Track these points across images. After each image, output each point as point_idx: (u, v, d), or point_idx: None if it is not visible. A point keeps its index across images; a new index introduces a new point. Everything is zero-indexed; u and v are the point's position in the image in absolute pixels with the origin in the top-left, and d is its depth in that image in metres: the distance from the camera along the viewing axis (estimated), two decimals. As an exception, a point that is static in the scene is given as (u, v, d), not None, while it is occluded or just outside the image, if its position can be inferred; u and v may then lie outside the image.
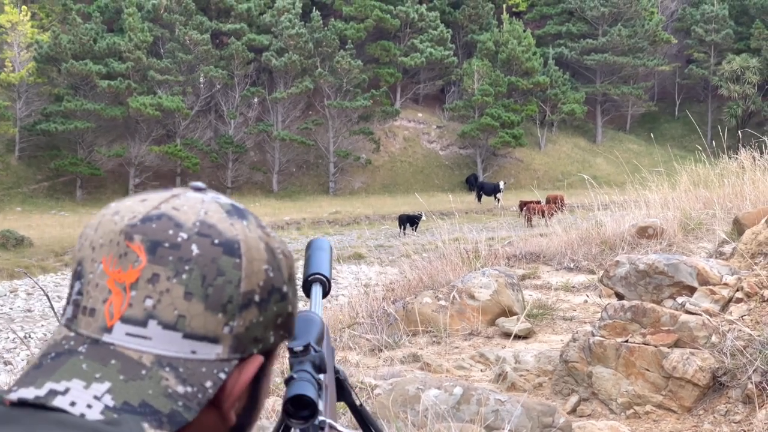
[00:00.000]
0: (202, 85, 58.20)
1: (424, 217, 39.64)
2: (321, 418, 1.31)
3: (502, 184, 51.95)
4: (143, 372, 1.01)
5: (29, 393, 0.99)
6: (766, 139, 11.29)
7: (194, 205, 1.09)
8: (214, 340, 1.05)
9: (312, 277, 1.70)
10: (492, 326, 7.03)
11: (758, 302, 5.14)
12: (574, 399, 5.13)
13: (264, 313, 1.10)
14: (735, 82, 65.33)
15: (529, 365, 5.61)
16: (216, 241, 1.06)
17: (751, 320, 5.04)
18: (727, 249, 6.69)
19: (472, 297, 7.09)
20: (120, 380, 1.00)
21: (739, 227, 7.56)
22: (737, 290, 5.30)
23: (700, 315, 5.07)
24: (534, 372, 5.54)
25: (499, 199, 50.89)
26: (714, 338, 4.92)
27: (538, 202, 41.42)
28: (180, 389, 1.01)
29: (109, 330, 1.03)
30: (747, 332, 4.84)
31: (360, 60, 60.50)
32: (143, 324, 1.02)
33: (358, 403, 1.67)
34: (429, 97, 67.87)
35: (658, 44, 68.82)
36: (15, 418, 0.97)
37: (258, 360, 1.11)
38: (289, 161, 60.31)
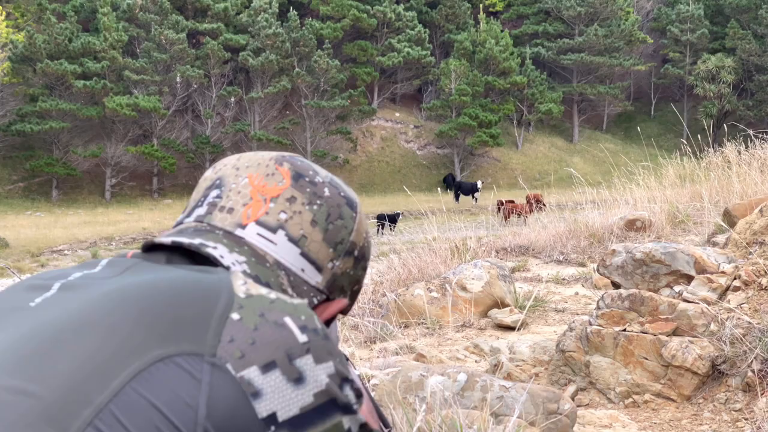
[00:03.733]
0: (178, 85, 57.84)
1: (401, 217, 39.63)
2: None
3: (479, 184, 52.02)
4: (267, 264, 1.21)
5: (183, 240, 1.20)
6: (751, 131, 11.31)
7: (326, 171, 1.34)
8: (319, 268, 1.26)
9: None
10: (484, 318, 6.97)
11: (756, 290, 5.10)
12: (571, 388, 5.07)
13: (355, 268, 1.32)
14: (710, 82, 65.67)
15: (525, 355, 5.55)
16: (342, 194, 1.31)
17: (750, 308, 4.99)
18: (720, 239, 6.67)
19: (464, 289, 7.04)
20: (252, 260, 1.20)
21: (729, 218, 7.53)
22: (735, 278, 5.26)
23: (698, 303, 5.02)
24: (530, 362, 5.48)
25: (476, 199, 50.91)
26: (713, 326, 4.87)
27: (511, 201, 41.58)
28: (290, 291, 1.22)
29: (243, 227, 1.24)
30: (746, 320, 4.80)
31: (337, 60, 60.40)
32: (274, 230, 1.24)
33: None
34: (406, 96, 67.86)
35: (634, 44, 69.09)
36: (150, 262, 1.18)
37: (342, 303, 1.30)
38: (267, 161, 59.99)
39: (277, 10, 60.70)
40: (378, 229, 39.05)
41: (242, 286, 1.09)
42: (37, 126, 52.58)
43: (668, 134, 67.18)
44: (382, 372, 4.51)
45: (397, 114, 66.30)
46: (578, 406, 4.99)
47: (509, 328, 6.58)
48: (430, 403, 3.43)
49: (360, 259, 1.33)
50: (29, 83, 55.28)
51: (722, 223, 7.21)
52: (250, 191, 1.26)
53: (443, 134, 61.84)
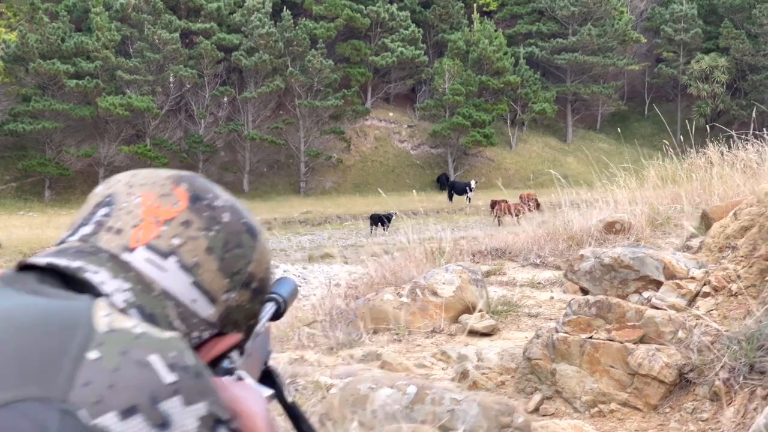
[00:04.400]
0: (171, 85, 57.71)
1: (395, 217, 39.57)
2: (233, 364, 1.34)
3: (473, 184, 52.00)
4: (154, 293, 1.11)
5: (61, 262, 1.10)
6: (734, 132, 11.22)
7: (226, 192, 1.23)
8: (212, 300, 1.15)
9: (268, 296, 1.59)
10: (455, 323, 6.86)
11: (726, 296, 5.01)
12: (537, 397, 4.97)
13: (252, 301, 1.22)
14: (704, 81, 65.67)
15: (492, 363, 5.45)
16: (243, 221, 1.20)
17: (719, 315, 4.90)
18: (695, 243, 6.57)
19: (434, 293, 6.92)
20: (138, 288, 1.10)
21: (707, 221, 7.44)
22: (704, 284, 5.16)
23: (666, 310, 4.92)
24: (497, 370, 5.38)
25: (470, 199, 50.86)
26: (681, 333, 4.77)
27: (505, 201, 41.60)
28: (176, 324, 1.11)
29: (130, 250, 1.12)
30: (714, 327, 4.70)
31: (331, 59, 60.31)
32: (164, 256, 1.12)
33: (289, 399, 1.61)
34: (400, 96, 67.76)
35: (628, 44, 69.06)
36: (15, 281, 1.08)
37: (234, 338, 1.21)
38: (260, 161, 60.00)
39: (271, 10, 60.59)
40: (371, 230, 39.04)
41: (104, 318, 0.97)
42: (30, 126, 52.43)
43: (662, 134, 66.93)
44: (342, 381, 4.40)
45: (391, 114, 66.22)
46: (543, 415, 4.89)
47: (480, 334, 6.47)
48: (371, 420, 3.32)
49: (258, 292, 1.23)
50: (22, 83, 55.16)
51: (698, 227, 7.11)
52: (141, 212, 1.15)
53: (437, 134, 61.79)
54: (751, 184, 9.14)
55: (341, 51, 63.11)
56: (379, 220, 39.03)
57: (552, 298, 7.63)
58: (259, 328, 1.58)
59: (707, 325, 4.74)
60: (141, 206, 1.15)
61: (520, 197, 44.67)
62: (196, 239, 1.14)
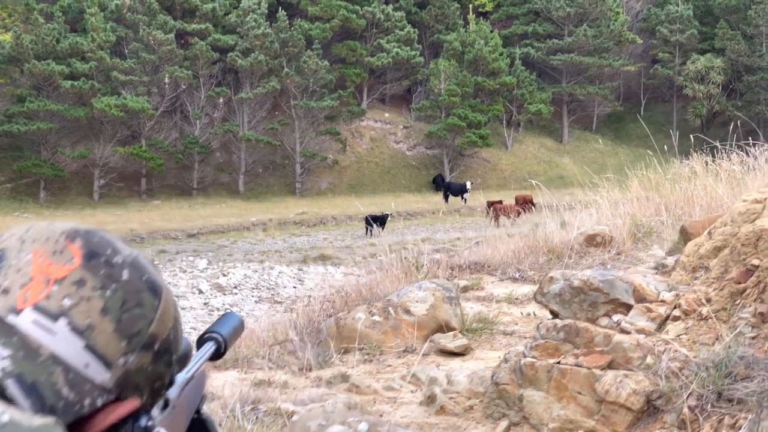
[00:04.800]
0: (166, 86, 57.67)
1: (390, 218, 39.53)
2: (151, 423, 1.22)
3: (469, 185, 51.98)
4: (39, 360, 1.02)
5: None
6: (718, 143, 11.16)
7: (128, 247, 1.15)
8: (107, 364, 1.07)
9: (208, 334, 1.61)
10: (428, 342, 6.77)
11: (696, 320, 4.93)
12: (504, 423, 4.89)
13: (154, 365, 1.14)
14: (699, 82, 65.63)
15: (461, 386, 5.36)
16: (144, 278, 1.12)
17: (688, 339, 4.82)
18: (670, 261, 6.50)
19: (407, 312, 6.83)
20: (19, 354, 1.01)
21: (685, 236, 7.35)
22: (675, 307, 5.08)
23: (635, 335, 4.85)
24: (465, 394, 5.30)
25: (465, 200, 50.83)
26: (649, 359, 4.70)
27: (500, 202, 41.61)
28: (64, 392, 1.02)
29: (17, 312, 1.04)
30: (683, 353, 4.62)
31: (326, 60, 60.29)
32: (54, 318, 1.04)
33: None
34: (396, 97, 67.73)
35: (624, 44, 69.03)
36: None
37: (132, 404, 1.11)
38: (256, 162, 59.94)
39: (266, 11, 60.57)
40: (366, 230, 39.00)
41: None
42: (25, 127, 52.37)
43: (658, 135, 66.89)
44: (305, 407, 4.33)
45: (387, 114, 66.17)
46: (510, 442, 4.81)
47: (453, 354, 6.39)
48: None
49: (162, 353, 1.14)
50: (17, 84, 55.07)
51: (677, 242, 7.04)
52: (31, 270, 1.06)
53: (432, 135, 61.78)
54: (734, 196, 9.06)
55: (337, 52, 63.12)
56: (375, 221, 38.96)
57: (529, 314, 7.55)
58: (191, 372, 1.51)
59: (676, 351, 4.67)
60: (30, 264, 1.07)
61: (516, 198, 44.71)
62: (89, 299, 1.06)
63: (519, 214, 40.63)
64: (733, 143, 10.86)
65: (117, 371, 1.07)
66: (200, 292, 26.81)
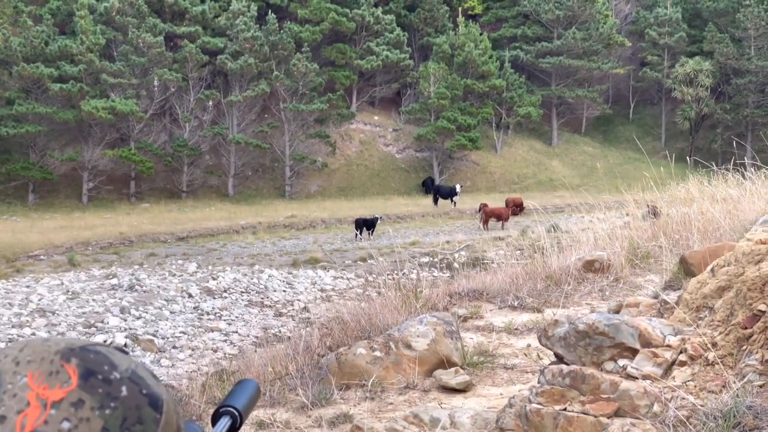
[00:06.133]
0: (156, 88, 57.55)
1: (380, 221, 39.53)
2: None
3: (458, 188, 51.96)
4: None
5: None
6: (714, 165, 11.15)
7: (126, 358, 1.12)
8: None
9: (223, 408, 1.59)
10: (429, 378, 6.73)
11: (702, 365, 4.91)
12: (509, 470, 4.86)
13: None
14: (688, 85, 65.81)
15: (465, 428, 5.33)
16: (144, 392, 1.08)
17: (695, 386, 4.80)
18: (672, 297, 6.48)
19: (408, 347, 6.79)
20: None
21: (685, 266, 7.34)
22: (681, 352, 5.06)
23: (641, 381, 4.82)
24: (469, 437, 5.27)
25: (455, 203, 50.86)
26: (656, 407, 4.67)
27: (485, 205, 41.72)
28: None
29: None
30: (690, 401, 4.60)
31: (316, 63, 60.28)
32: None
33: None
34: (385, 100, 67.74)
35: (613, 47, 69.24)
36: None
37: None
38: (245, 165, 59.86)
39: (256, 14, 60.55)
40: (356, 234, 38.98)
41: None
42: (14, 129, 52.14)
43: (647, 137, 67.29)
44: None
45: (376, 117, 66.17)
46: (516, 489, 4.78)
47: (454, 390, 6.36)
48: None
49: None
50: (5, 86, 54.80)
51: (677, 272, 7.02)
52: (27, 394, 1.03)
53: (422, 138, 61.79)
54: (731, 219, 9.07)
55: (326, 54, 63.12)
56: (364, 224, 38.97)
57: (529, 345, 7.52)
58: None
59: (683, 399, 4.64)
60: (27, 387, 1.04)
61: (506, 201, 44.79)
62: (89, 421, 1.02)
63: (508, 218, 40.76)
64: (720, 146, 10.84)
65: None
66: (190, 296, 26.76)
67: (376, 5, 65.32)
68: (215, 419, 1.59)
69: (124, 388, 1.06)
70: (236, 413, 1.58)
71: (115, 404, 1.04)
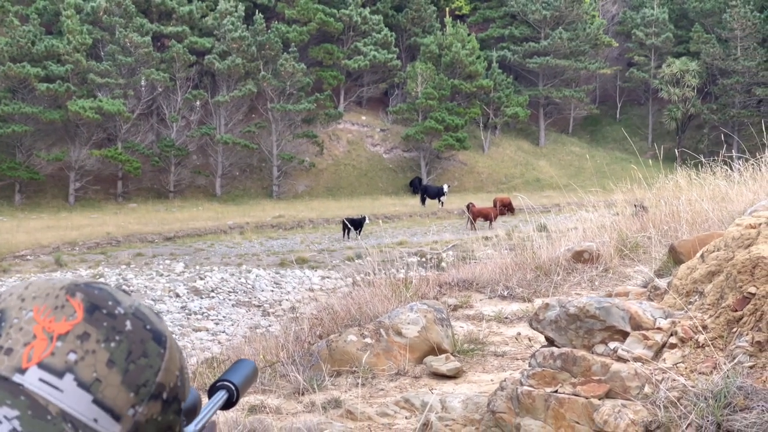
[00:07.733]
0: (143, 88, 57.46)
1: (368, 221, 39.52)
2: None
3: (446, 187, 52.01)
4: (48, 417, 1.00)
5: None
6: (702, 158, 11.19)
7: (129, 296, 1.13)
8: (117, 417, 1.04)
9: (221, 382, 1.61)
10: (420, 365, 6.74)
11: (693, 348, 4.92)
12: (501, 452, 4.87)
13: (164, 414, 1.10)
14: (675, 85, 66.03)
15: (456, 413, 5.34)
16: (147, 327, 1.10)
17: (686, 368, 4.81)
18: (662, 284, 6.49)
19: (399, 334, 6.80)
20: (28, 414, 0.99)
21: (675, 255, 7.36)
22: (671, 335, 5.07)
23: (632, 363, 4.83)
24: (460, 421, 5.27)
25: (443, 203, 50.91)
26: (647, 389, 4.68)
27: (473, 205, 41.80)
28: None
29: (22, 371, 1.02)
30: (681, 382, 4.61)
31: (303, 63, 60.26)
32: (60, 375, 1.02)
33: None
34: (373, 100, 67.76)
35: (600, 47, 69.47)
36: None
37: None
38: (232, 165, 59.81)
39: (243, 14, 60.51)
40: (344, 234, 39.01)
41: None
42: (0, 130, 51.94)
43: (634, 137, 67.44)
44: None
45: (364, 117, 66.18)
46: (507, 472, 4.78)
47: (445, 376, 6.36)
48: None
49: (170, 401, 1.11)
50: (-9, 86, 54.66)
51: (666, 261, 7.04)
52: (34, 327, 1.04)
53: (410, 138, 61.85)
54: (719, 211, 9.09)
55: (314, 54, 63.12)
56: (352, 224, 38.96)
57: (519, 333, 7.53)
58: (202, 422, 1.48)
59: (674, 380, 4.66)
60: (33, 321, 1.05)
61: (494, 201, 44.86)
62: (95, 353, 1.04)
63: (496, 218, 40.82)
64: (707, 146, 10.91)
65: (127, 423, 1.05)
66: (177, 295, 26.75)
67: (363, 5, 65.33)
68: (211, 392, 1.60)
69: (128, 323, 1.08)
70: (233, 387, 1.59)
71: (120, 338, 1.06)
